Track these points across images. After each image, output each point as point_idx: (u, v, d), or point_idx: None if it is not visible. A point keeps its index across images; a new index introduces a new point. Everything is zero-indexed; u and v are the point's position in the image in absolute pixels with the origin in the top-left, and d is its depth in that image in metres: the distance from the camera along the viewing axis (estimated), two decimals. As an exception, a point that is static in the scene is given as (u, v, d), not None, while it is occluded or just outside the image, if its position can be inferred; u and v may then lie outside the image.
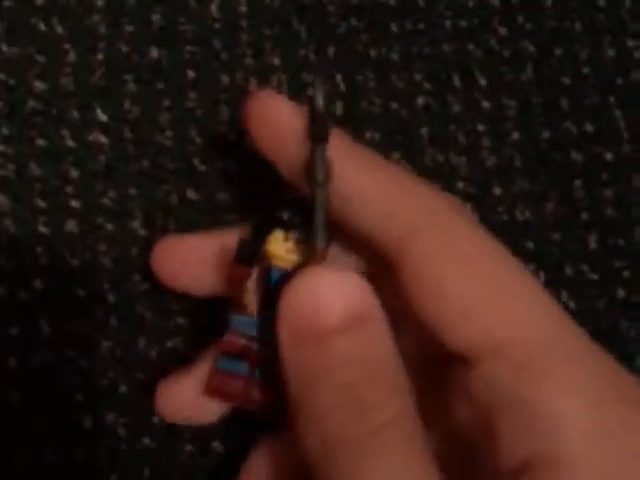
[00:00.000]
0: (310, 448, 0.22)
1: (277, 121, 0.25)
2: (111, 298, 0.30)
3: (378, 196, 0.25)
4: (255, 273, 0.25)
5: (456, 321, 0.23)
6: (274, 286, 0.24)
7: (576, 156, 0.33)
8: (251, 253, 0.24)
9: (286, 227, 0.25)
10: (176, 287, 0.28)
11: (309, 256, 0.24)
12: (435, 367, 0.25)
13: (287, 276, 0.24)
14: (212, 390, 0.26)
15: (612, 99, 0.33)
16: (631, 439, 0.21)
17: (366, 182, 0.25)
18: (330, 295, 0.22)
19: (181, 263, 0.28)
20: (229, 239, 0.26)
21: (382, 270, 0.25)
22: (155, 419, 0.29)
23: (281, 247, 0.24)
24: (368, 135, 0.32)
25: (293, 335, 0.23)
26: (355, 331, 0.22)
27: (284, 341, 0.23)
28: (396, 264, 0.24)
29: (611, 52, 0.34)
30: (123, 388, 0.29)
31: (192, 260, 0.28)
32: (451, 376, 0.24)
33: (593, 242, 0.33)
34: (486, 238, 0.24)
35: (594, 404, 0.21)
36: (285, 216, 0.25)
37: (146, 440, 0.29)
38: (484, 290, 0.23)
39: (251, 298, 0.25)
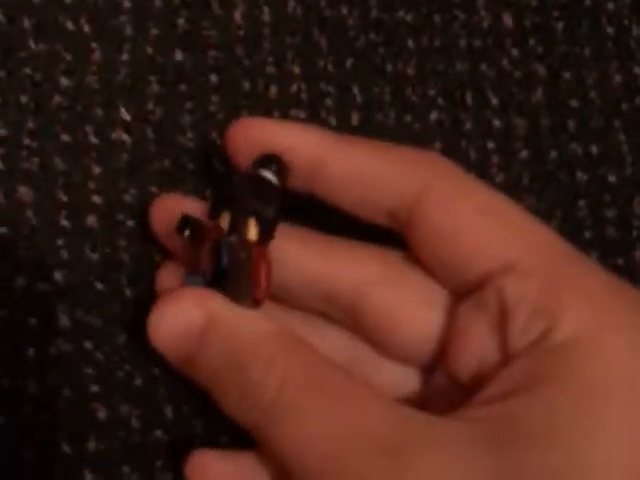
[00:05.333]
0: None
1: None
2: (128, 293, 0.30)
3: (382, 170, 0.27)
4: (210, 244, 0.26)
5: (472, 252, 0.26)
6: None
7: (581, 177, 0.34)
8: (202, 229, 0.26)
9: (232, 212, 0.26)
10: (168, 245, 0.29)
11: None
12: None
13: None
14: None
15: (617, 123, 0.35)
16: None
17: (369, 162, 0.27)
18: (172, 329, 0.25)
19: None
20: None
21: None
22: (168, 412, 0.30)
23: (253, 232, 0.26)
24: (382, 146, 0.33)
25: (175, 365, 0.26)
26: (207, 343, 0.25)
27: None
28: (412, 221, 0.27)
29: (618, 78, 0.35)
30: (138, 381, 0.30)
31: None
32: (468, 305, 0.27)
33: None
34: (483, 184, 0.27)
35: (593, 299, 0.24)
36: (230, 198, 0.26)
37: (158, 432, 0.30)
38: (488, 225, 0.26)
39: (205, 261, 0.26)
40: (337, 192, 0.27)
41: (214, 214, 0.27)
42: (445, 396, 0.27)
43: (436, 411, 0.25)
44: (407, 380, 0.28)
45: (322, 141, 0.27)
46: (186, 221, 0.27)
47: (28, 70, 0.31)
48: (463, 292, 0.27)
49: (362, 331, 0.28)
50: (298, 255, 0.28)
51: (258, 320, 0.25)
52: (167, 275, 0.29)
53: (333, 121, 0.33)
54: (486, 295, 0.25)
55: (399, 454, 0.22)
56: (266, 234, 0.26)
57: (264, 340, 0.25)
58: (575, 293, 0.24)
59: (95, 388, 0.29)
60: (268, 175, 0.26)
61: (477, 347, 0.26)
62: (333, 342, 0.29)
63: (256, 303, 0.25)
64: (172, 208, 0.29)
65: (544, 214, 0.34)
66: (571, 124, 0.34)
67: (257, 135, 0.27)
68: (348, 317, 0.28)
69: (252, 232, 0.26)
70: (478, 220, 0.26)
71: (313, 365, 0.24)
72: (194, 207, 0.28)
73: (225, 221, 0.26)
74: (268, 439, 0.24)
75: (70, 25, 0.31)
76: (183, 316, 0.25)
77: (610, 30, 0.35)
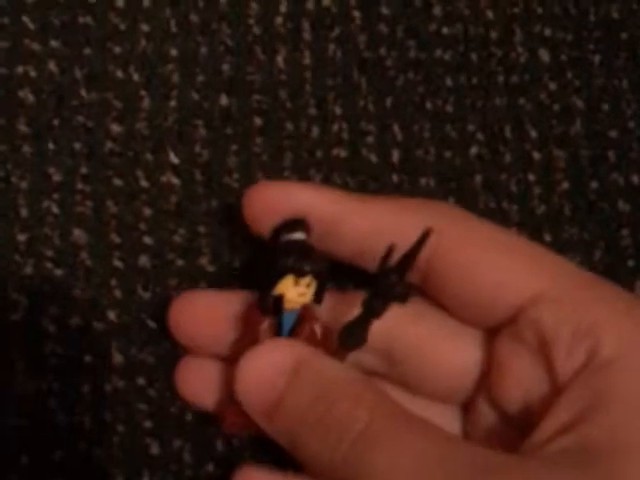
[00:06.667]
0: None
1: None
2: (179, 330, 0.31)
3: (396, 223, 0.27)
4: (269, 319, 0.26)
5: (499, 288, 0.26)
6: (288, 328, 0.26)
7: (623, 206, 0.34)
8: (270, 301, 0.26)
9: (297, 273, 0.26)
10: (190, 344, 0.29)
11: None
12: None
13: (297, 316, 0.26)
14: (232, 424, 0.27)
15: (657, 153, 0.35)
16: None
17: (382, 217, 0.28)
18: (262, 373, 0.25)
19: (199, 320, 0.29)
20: (247, 299, 0.28)
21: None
22: (219, 446, 0.31)
23: (292, 291, 0.26)
24: (423, 181, 0.34)
25: (258, 415, 0.25)
26: (295, 383, 0.25)
27: (256, 419, 0.25)
28: (431, 268, 0.27)
29: (656, 108, 0.35)
30: (189, 416, 0.31)
31: (210, 318, 0.29)
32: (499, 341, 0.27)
33: (638, 289, 0.34)
34: (491, 224, 0.28)
35: (626, 315, 0.25)
36: (291, 262, 0.26)
37: (210, 466, 0.30)
38: (510, 260, 0.27)
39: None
40: (352, 249, 0.28)
41: (269, 287, 0.26)
42: (487, 431, 0.27)
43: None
44: (443, 418, 0.28)
45: (336, 200, 0.28)
46: (279, 300, 0.26)
47: (81, 118, 0.32)
48: (492, 328, 0.27)
49: (395, 374, 0.29)
50: (331, 309, 0.28)
51: (342, 366, 0.25)
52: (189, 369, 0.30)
53: (374, 159, 0.34)
54: (520, 328, 0.26)
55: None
56: (321, 292, 0.27)
57: (350, 381, 0.25)
58: (608, 311, 0.25)
59: (148, 423, 0.30)
60: (302, 236, 0.27)
61: (521, 379, 0.26)
62: None
63: None
64: (194, 304, 0.29)
65: (587, 244, 0.34)
66: (611, 155, 0.35)
67: (274, 199, 0.28)
68: (381, 361, 0.29)
69: (311, 292, 0.26)
70: (499, 257, 0.27)
71: (395, 404, 0.24)
72: (217, 301, 0.29)
73: (286, 287, 0.26)
74: (356, 472, 0.23)
75: (120, 74, 0.33)
76: (274, 358, 0.25)
77: (647, 61, 0.36)
